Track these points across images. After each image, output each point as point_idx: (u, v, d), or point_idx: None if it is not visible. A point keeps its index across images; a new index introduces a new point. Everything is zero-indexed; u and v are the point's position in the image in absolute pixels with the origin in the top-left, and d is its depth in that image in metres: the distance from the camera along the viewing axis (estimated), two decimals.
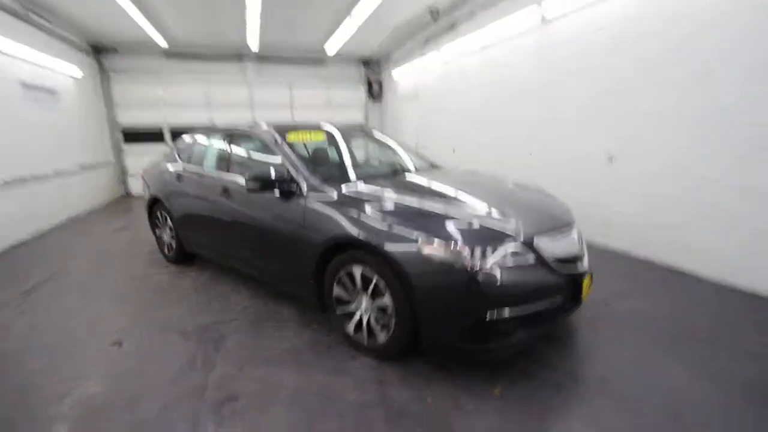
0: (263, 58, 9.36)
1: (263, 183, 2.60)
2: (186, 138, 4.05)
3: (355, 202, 2.35)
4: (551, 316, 2.08)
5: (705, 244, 3.34)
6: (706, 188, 3.29)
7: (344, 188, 2.52)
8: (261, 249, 2.87)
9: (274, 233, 2.70)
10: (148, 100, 8.69)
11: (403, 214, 2.15)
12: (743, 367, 2.17)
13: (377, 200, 2.33)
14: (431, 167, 3.46)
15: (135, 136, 8.78)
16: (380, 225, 2.12)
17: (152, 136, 8.90)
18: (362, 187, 2.58)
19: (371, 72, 10.43)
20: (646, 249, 3.84)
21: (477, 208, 2.27)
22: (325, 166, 3.11)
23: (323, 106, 10.13)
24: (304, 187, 2.57)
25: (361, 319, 2.32)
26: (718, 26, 3.11)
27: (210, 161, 3.53)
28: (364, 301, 2.28)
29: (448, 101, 7.26)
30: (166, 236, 4.06)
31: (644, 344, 2.41)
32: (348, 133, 3.52)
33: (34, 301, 3.26)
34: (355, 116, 10.57)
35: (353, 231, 2.19)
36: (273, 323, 2.77)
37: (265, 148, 3.05)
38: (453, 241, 1.93)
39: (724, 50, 3.08)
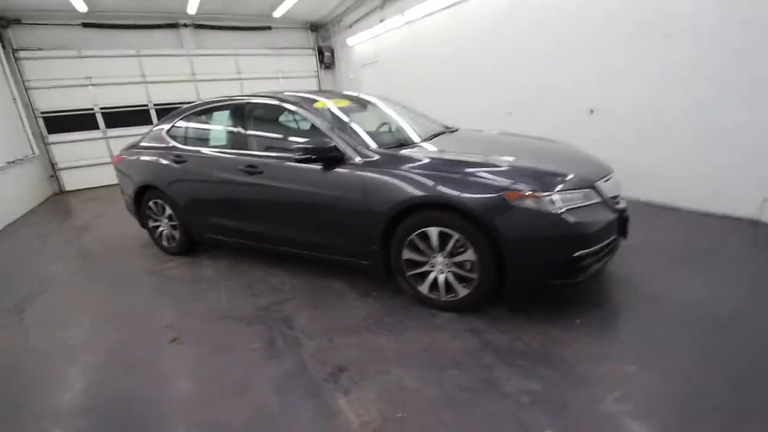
0: (202, 26, 8.48)
1: (316, 154, 2.50)
2: (176, 116, 3.63)
3: (422, 163, 2.36)
4: (613, 248, 2.34)
5: (673, 180, 3.88)
6: (668, 131, 3.79)
7: (403, 151, 2.51)
8: (309, 224, 2.77)
9: (326, 206, 2.62)
10: (70, 79, 7.49)
11: (477, 170, 2.22)
12: (741, 269, 2.65)
13: (444, 159, 2.37)
14: (454, 129, 3.48)
15: (62, 123, 7.59)
16: (458, 183, 2.18)
17: (84, 121, 7.76)
18: (421, 148, 2.59)
19: (321, 39, 9.95)
20: (627, 189, 4.34)
21: (537, 160, 2.41)
22: (369, 133, 3.00)
23: (273, 77, 9.53)
24: (356, 156, 2.52)
25: (436, 278, 2.40)
26: None
27: (220, 139, 3.25)
28: (440, 260, 2.36)
29: (414, 64, 7.24)
30: (165, 227, 3.70)
31: (666, 266, 2.81)
32: (364, 99, 3.43)
33: (35, 315, 2.85)
34: (308, 86, 10.11)
35: (432, 192, 2.22)
36: (332, 297, 2.75)
37: (293, 119, 2.89)
38: (537, 189, 2.06)
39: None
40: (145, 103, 8.20)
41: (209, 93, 8.65)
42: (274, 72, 9.50)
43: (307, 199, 2.70)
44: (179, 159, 3.36)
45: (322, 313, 2.55)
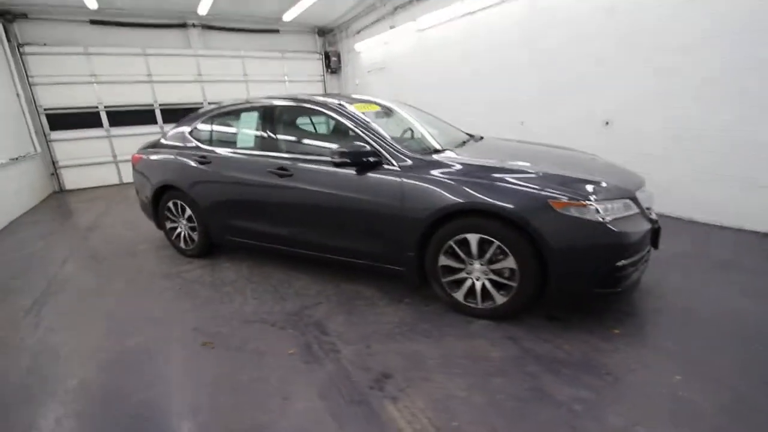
0: (210, 27, 8.45)
1: (354, 158, 2.50)
2: (199, 117, 3.59)
3: (460, 169, 2.37)
4: (647, 259, 2.36)
5: (690, 193, 3.95)
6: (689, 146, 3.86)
7: (439, 157, 2.52)
8: (341, 228, 2.75)
9: (360, 211, 2.61)
10: (75, 76, 7.39)
11: (518, 178, 2.23)
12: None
13: (483, 166, 2.38)
14: (480, 137, 3.49)
15: (65, 120, 7.47)
16: (500, 190, 2.19)
17: (87, 119, 7.64)
18: (455, 155, 2.60)
19: (328, 43, 9.98)
20: None
21: (575, 169, 2.44)
22: (402, 138, 3.00)
23: (279, 80, 9.52)
24: (394, 161, 2.51)
25: (472, 285, 2.40)
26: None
27: (248, 141, 3.22)
28: (477, 267, 2.35)
29: (424, 72, 7.29)
30: (184, 229, 3.65)
31: (693, 276, 2.84)
32: (387, 105, 3.44)
33: (52, 318, 2.77)
34: (314, 90, 10.11)
35: (476, 199, 2.22)
36: (363, 302, 2.72)
37: (326, 122, 2.88)
38: (582, 198, 2.08)
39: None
40: (150, 102, 8.11)
41: (215, 94, 8.61)
42: (280, 75, 9.49)
43: (340, 203, 2.68)
44: (203, 160, 3.32)
45: (355, 318, 2.53)
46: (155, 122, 8.22)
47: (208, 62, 8.53)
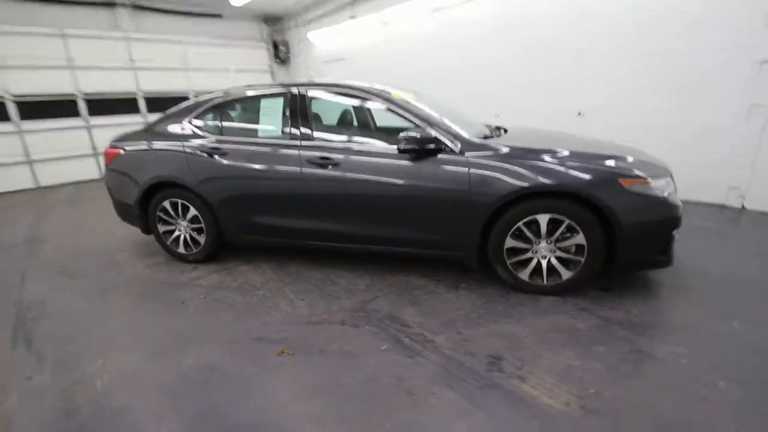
0: (142, 7, 7.45)
1: (419, 144, 2.42)
2: (202, 105, 3.15)
3: (523, 152, 2.43)
4: None
5: None
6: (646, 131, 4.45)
7: (496, 142, 2.55)
8: (397, 219, 2.64)
9: (421, 199, 2.54)
10: None
11: (583, 159, 2.36)
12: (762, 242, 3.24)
13: (545, 149, 2.46)
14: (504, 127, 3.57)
15: None
16: (571, 171, 2.30)
17: None
18: (508, 140, 2.65)
19: (275, 32, 9.44)
20: None
21: (620, 151, 2.63)
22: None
23: (225, 69, 8.77)
24: (455, 146, 2.49)
25: (538, 263, 2.49)
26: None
27: (274, 129, 2.92)
28: (544, 245, 2.45)
29: (389, 64, 7.28)
30: (184, 231, 3.20)
31: (709, 249, 3.29)
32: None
33: (52, 347, 2.26)
34: (260, 80, 9.48)
35: (546, 181, 2.30)
36: (421, 292, 2.66)
37: (368, 109, 2.75)
38: (644, 176, 2.28)
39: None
40: (73, 92, 6.91)
41: (151, 83, 7.67)
42: (225, 64, 8.74)
43: (397, 192, 2.58)
44: (216, 151, 2.94)
45: (425, 308, 2.47)
46: (77, 114, 7.03)
47: (142, 47, 7.52)
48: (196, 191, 3.00)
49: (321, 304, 2.57)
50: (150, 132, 3.26)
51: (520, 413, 1.63)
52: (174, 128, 3.15)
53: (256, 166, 2.85)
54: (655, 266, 2.48)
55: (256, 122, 3.06)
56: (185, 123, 3.12)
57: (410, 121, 2.61)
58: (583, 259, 2.39)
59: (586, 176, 2.28)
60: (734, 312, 2.25)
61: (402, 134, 2.46)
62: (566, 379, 1.81)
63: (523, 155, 2.41)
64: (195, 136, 3.06)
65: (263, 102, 3.02)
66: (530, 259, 2.50)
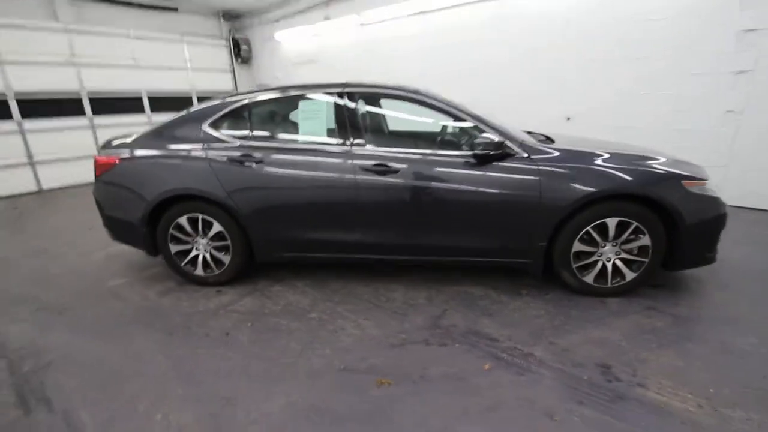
0: None
1: (494, 149, 2.34)
2: (226, 107, 2.77)
3: (589, 157, 2.44)
4: None
5: None
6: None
7: (560, 147, 2.54)
8: (460, 227, 2.52)
9: (491, 204, 2.45)
10: None
11: (646, 162, 2.43)
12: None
13: (603, 154, 2.49)
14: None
15: None
16: (639, 174, 2.36)
17: None
18: (565, 144, 2.65)
19: (235, 29, 8.81)
20: None
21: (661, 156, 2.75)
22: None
23: (181, 67, 8.00)
24: (521, 151, 2.44)
25: (603, 266, 2.52)
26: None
27: (316, 133, 2.63)
28: (608, 248, 2.49)
29: (367, 68, 7.11)
30: (203, 250, 2.79)
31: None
32: None
33: (78, 409, 1.81)
34: (220, 82, 8.80)
35: (616, 185, 2.33)
36: (487, 302, 2.57)
37: (418, 112, 2.60)
38: (702, 177, 2.41)
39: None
40: (2, 90, 5.82)
41: (97, 80, 6.74)
42: (181, 62, 7.96)
43: (464, 199, 2.47)
44: (250, 158, 2.59)
45: (502, 319, 2.37)
46: (9, 117, 5.94)
47: (85, 41, 6.57)
48: (224, 204, 2.62)
49: (390, 323, 2.37)
50: (156, 137, 2.80)
51: (666, 422, 1.60)
52: (190, 133, 2.73)
53: (302, 175, 2.56)
54: (704, 263, 2.63)
55: (295, 126, 2.76)
56: (206, 127, 2.72)
57: (476, 126, 2.51)
58: (647, 260, 2.46)
59: (653, 179, 2.36)
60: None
61: (479, 139, 2.35)
62: (682, 381, 1.82)
63: (589, 160, 2.43)
64: (219, 141, 2.68)
65: (302, 104, 2.73)
66: (594, 262, 2.52)
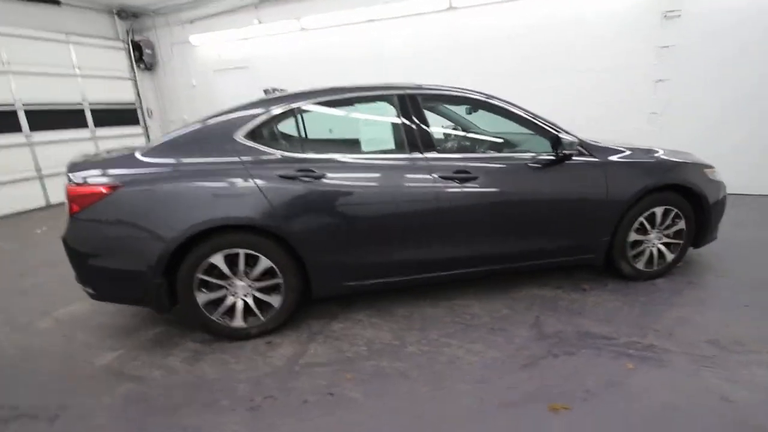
0: None
1: (570, 149, 2.35)
2: (266, 111, 2.23)
3: (639, 153, 2.65)
4: None
5: None
6: None
7: (605, 144, 2.68)
8: (532, 231, 2.48)
9: (564, 204, 2.47)
10: None
11: (673, 158, 2.72)
12: None
13: (643, 149, 2.72)
14: None
15: None
16: (674, 166, 2.64)
17: None
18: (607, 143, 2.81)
19: (134, 31, 7.44)
20: None
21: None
22: None
23: (67, 73, 6.43)
24: (585, 150, 2.52)
25: (650, 252, 2.74)
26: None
27: (382, 140, 2.29)
28: (653, 235, 2.71)
29: (308, 75, 6.66)
30: (242, 294, 2.21)
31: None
32: None
33: None
34: (119, 91, 7.32)
35: (665, 177, 2.57)
36: (564, 302, 2.55)
37: (475, 113, 2.50)
38: (712, 166, 2.80)
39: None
40: None
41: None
42: (67, 67, 6.38)
43: (541, 201, 2.44)
44: (309, 174, 2.14)
45: (595, 315, 2.38)
46: None
47: None
48: (278, 233, 2.11)
49: (498, 341, 2.18)
50: (167, 153, 2.13)
51: None
52: (219, 146, 2.14)
53: (373, 188, 2.22)
54: (712, 240, 3.06)
55: (355, 132, 2.37)
56: (240, 137, 2.16)
57: (538, 127, 2.50)
58: (682, 241, 2.76)
59: (686, 170, 2.66)
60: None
61: (565, 140, 2.33)
62: None
63: (639, 156, 2.63)
64: (262, 154, 2.16)
65: (360, 107, 2.36)
66: (644, 250, 2.73)
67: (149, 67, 7.60)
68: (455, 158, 2.36)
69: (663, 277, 2.81)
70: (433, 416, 1.68)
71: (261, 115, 2.21)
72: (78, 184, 2.01)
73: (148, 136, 7.81)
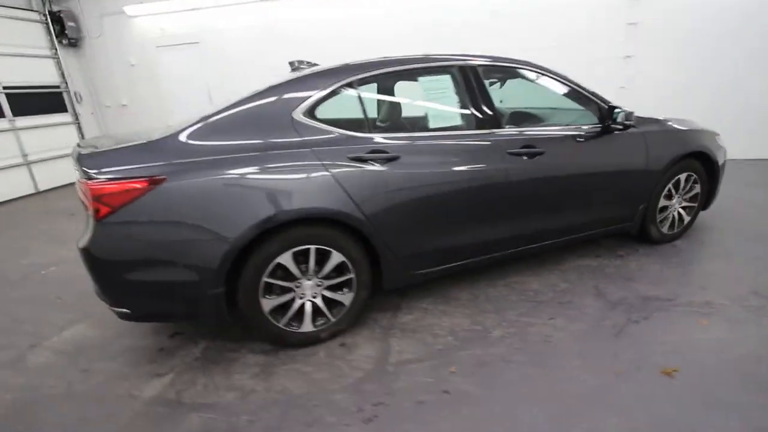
0: None
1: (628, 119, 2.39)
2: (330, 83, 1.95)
3: (663, 123, 2.78)
4: None
5: None
6: None
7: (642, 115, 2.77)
8: (581, 203, 2.51)
9: (609, 175, 2.53)
10: None
11: (688, 126, 2.90)
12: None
13: (661, 119, 2.86)
14: None
15: None
16: (696, 136, 2.81)
17: None
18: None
19: (51, 1, 6.22)
20: None
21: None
22: None
23: None
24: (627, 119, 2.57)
25: (672, 216, 2.93)
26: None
27: (448, 115, 2.12)
28: (675, 200, 2.90)
29: (269, 53, 6.12)
30: (309, 295, 1.95)
31: None
32: None
33: None
34: (38, 71, 6.14)
35: (692, 146, 2.73)
36: (610, 270, 2.64)
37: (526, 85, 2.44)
38: (718, 134, 3.04)
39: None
40: None
41: None
42: None
43: (589, 173, 2.47)
44: (382, 155, 1.91)
45: (644, 280, 2.49)
46: None
47: None
48: (353, 223, 1.89)
49: (572, 314, 2.19)
50: (209, 135, 1.77)
51: None
52: (275, 126, 1.83)
53: (448, 168, 2.06)
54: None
55: (419, 108, 2.15)
56: (299, 115, 1.86)
57: (588, 98, 2.51)
58: (696, 204, 2.99)
59: (705, 138, 2.86)
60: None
61: (619, 111, 2.36)
62: None
63: (664, 126, 2.76)
64: (326, 134, 1.88)
65: (422, 80, 2.15)
66: (669, 214, 2.91)
67: (74, 43, 6.44)
68: (520, 133, 2.27)
69: (680, 238, 3.03)
70: (561, 396, 1.63)
71: (320, 90, 1.92)
72: (105, 180, 1.60)
73: (79, 126, 6.69)
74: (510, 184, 2.20)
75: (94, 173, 1.61)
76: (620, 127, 2.44)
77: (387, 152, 1.94)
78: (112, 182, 1.60)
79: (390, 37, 5.68)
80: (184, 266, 1.70)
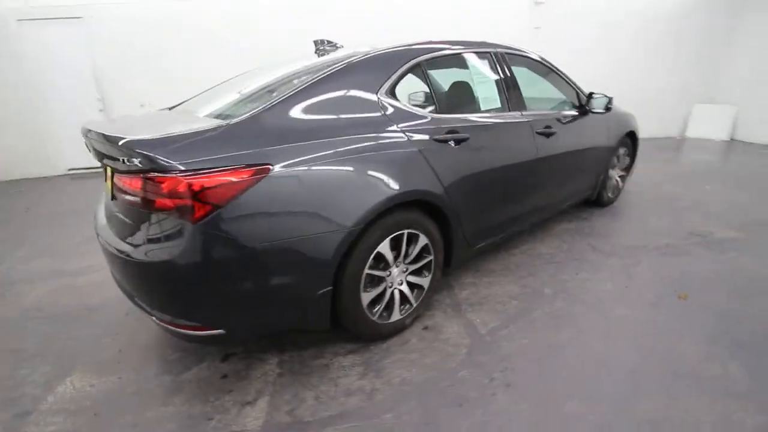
0: None
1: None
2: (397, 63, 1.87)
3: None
4: None
5: None
6: None
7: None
8: (569, 177, 2.93)
9: (589, 151, 3.01)
10: None
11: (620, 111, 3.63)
12: None
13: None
14: None
15: None
16: (629, 118, 3.55)
17: None
18: None
19: None
20: None
21: None
22: None
23: None
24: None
25: (615, 183, 3.64)
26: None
27: (493, 97, 2.25)
28: (616, 170, 3.62)
29: (169, 34, 5.35)
30: (397, 283, 1.91)
31: None
32: None
33: None
34: None
35: (631, 126, 3.44)
36: (587, 229, 3.17)
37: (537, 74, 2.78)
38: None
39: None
40: None
41: None
42: None
43: (582, 149, 2.92)
44: (455, 136, 1.95)
45: (624, 231, 3.10)
46: None
47: None
48: (440, 204, 1.90)
49: (591, 268, 2.59)
50: (288, 118, 1.56)
51: None
52: (362, 105, 1.71)
53: (503, 149, 2.23)
54: None
55: (468, 91, 2.20)
56: (384, 95, 1.76)
57: (571, 85, 2.93)
58: (627, 174, 3.78)
59: (633, 119, 3.61)
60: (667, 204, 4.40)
61: (603, 97, 2.82)
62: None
63: (615, 110, 3.38)
64: (408, 115, 1.83)
65: (472, 64, 2.21)
66: (612, 181, 3.61)
67: None
68: (541, 115, 2.55)
69: (616, 200, 3.79)
70: (631, 331, 1.96)
71: (397, 70, 1.85)
72: (203, 172, 1.29)
73: None
74: (538, 160, 2.47)
75: (180, 165, 1.28)
76: (602, 110, 2.92)
77: (459, 132, 1.99)
78: (211, 174, 1.30)
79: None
80: (297, 265, 1.48)
